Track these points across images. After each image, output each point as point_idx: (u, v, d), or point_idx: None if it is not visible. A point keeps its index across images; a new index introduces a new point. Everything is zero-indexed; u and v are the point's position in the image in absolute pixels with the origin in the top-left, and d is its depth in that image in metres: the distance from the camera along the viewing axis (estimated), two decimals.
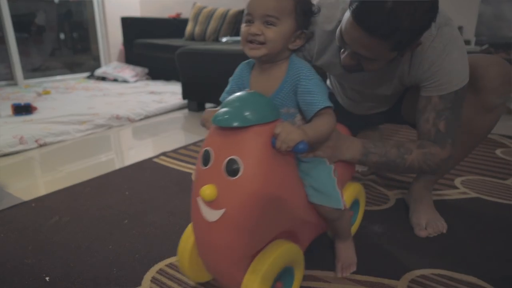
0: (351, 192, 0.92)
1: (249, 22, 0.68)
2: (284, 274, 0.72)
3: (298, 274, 0.76)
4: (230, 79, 0.81)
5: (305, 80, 0.70)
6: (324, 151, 0.79)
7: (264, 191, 0.63)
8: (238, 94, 0.66)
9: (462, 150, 1.02)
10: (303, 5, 0.69)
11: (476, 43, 2.55)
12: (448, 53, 0.81)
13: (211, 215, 0.63)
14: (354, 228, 0.99)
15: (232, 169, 0.62)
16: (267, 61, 0.71)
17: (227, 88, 0.80)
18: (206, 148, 0.66)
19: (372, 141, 0.87)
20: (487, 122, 0.95)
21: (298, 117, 0.75)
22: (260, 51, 0.68)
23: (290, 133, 0.62)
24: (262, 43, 0.67)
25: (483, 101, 0.91)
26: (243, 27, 0.69)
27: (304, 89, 0.70)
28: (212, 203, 0.63)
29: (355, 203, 0.97)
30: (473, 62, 0.89)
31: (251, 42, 0.68)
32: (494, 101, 0.90)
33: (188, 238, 0.76)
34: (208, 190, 0.61)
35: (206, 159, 0.65)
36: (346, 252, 0.88)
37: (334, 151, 0.81)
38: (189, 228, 0.77)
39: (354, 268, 0.86)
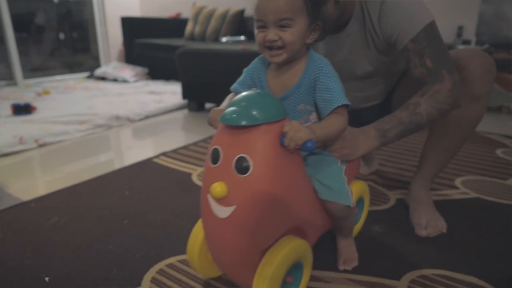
0: (356, 190, 0.92)
1: (262, 27, 0.68)
2: (294, 269, 0.74)
3: (307, 269, 0.77)
4: (245, 70, 0.81)
5: (325, 77, 0.70)
6: (341, 153, 0.79)
7: (274, 188, 0.64)
8: (245, 93, 0.66)
9: (455, 142, 1.03)
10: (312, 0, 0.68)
11: (477, 43, 2.55)
12: (397, 1, 0.85)
13: (222, 212, 0.64)
14: (358, 226, 1.00)
15: (242, 167, 0.62)
16: (286, 62, 0.72)
17: (240, 79, 0.81)
18: (215, 147, 0.66)
19: (380, 120, 0.87)
20: (475, 112, 0.96)
21: (314, 115, 0.75)
22: (282, 57, 0.69)
23: (298, 131, 0.62)
24: (281, 47, 0.68)
25: (468, 90, 0.93)
26: (257, 33, 0.69)
27: (323, 86, 0.70)
28: (222, 200, 0.64)
29: (360, 201, 0.99)
30: (455, 55, 0.94)
31: (269, 48, 0.68)
32: (479, 89, 0.93)
33: (197, 234, 0.77)
34: (218, 188, 0.62)
35: (215, 157, 0.66)
36: (348, 249, 0.89)
37: (351, 150, 0.81)
38: (199, 224, 0.78)
39: (356, 263, 0.88)
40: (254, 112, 0.62)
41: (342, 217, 0.81)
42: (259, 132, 0.62)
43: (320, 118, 0.75)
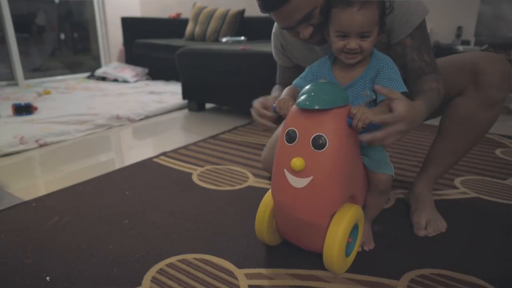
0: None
1: (343, 36, 0.78)
2: (353, 231, 0.85)
3: (361, 230, 0.89)
4: (308, 67, 0.91)
5: (387, 69, 0.81)
6: (403, 125, 0.74)
7: (344, 161, 0.77)
8: (315, 83, 0.79)
9: (465, 145, 1.03)
10: (383, 11, 0.78)
11: (476, 43, 2.55)
12: None
13: (299, 182, 0.77)
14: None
15: (318, 144, 0.74)
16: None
17: (303, 75, 0.91)
18: (291, 128, 0.78)
19: (424, 97, 0.85)
20: (488, 117, 0.97)
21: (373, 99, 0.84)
22: (357, 59, 0.80)
23: (365, 113, 0.72)
24: (357, 53, 0.79)
25: (484, 96, 0.93)
26: (337, 41, 0.79)
27: (384, 75, 0.80)
28: (300, 173, 0.76)
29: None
30: (474, 58, 0.95)
31: (346, 52, 0.79)
32: (495, 96, 0.93)
33: (267, 205, 0.88)
34: (298, 162, 0.74)
35: (291, 137, 0.78)
36: (367, 232, 0.96)
37: (412, 123, 0.76)
38: (267, 197, 0.90)
39: (373, 245, 0.95)
40: (326, 98, 0.74)
41: (384, 190, 0.90)
42: (332, 115, 0.75)
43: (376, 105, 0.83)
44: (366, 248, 0.94)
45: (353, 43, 0.77)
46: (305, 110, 0.76)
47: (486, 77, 0.92)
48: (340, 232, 0.78)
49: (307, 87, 0.78)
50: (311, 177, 0.75)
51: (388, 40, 0.92)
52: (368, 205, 0.94)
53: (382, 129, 0.72)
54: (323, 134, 0.74)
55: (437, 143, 1.07)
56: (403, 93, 0.78)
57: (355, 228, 0.85)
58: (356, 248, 0.89)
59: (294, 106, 0.79)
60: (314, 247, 0.85)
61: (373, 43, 0.79)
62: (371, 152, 0.88)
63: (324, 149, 0.74)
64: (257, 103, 0.94)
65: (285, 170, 0.79)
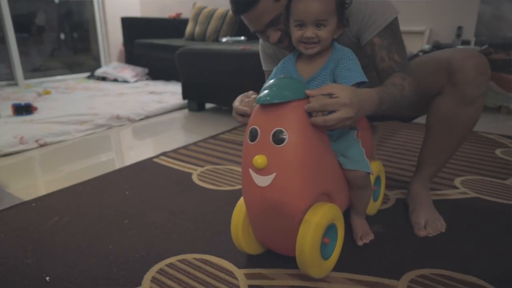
0: (374, 169, 1.00)
1: (300, 26, 0.80)
2: (330, 231, 0.81)
3: (341, 230, 0.86)
4: (275, 67, 0.93)
5: (346, 59, 0.82)
6: (347, 112, 0.74)
7: (307, 155, 0.74)
8: (274, 79, 0.78)
9: (452, 144, 1.03)
10: (341, 2, 0.80)
11: (476, 43, 2.55)
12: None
13: (264, 181, 0.74)
14: (377, 204, 1.10)
15: (278, 139, 0.73)
16: (315, 53, 0.83)
17: (271, 75, 0.92)
18: (253, 126, 0.77)
19: (381, 89, 0.85)
20: (470, 114, 0.96)
21: None
22: (315, 49, 0.81)
23: (323, 100, 0.73)
24: (315, 42, 0.80)
25: (462, 94, 0.93)
26: (295, 30, 0.81)
27: (344, 66, 0.82)
28: (263, 171, 0.74)
29: (377, 180, 1.09)
30: (448, 56, 0.94)
31: (305, 42, 0.81)
32: (473, 93, 0.92)
33: (239, 212, 0.86)
34: (260, 159, 0.72)
35: (253, 136, 0.76)
36: (362, 226, 0.97)
37: (360, 110, 0.76)
38: (239, 204, 0.87)
39: (372, 237, 0.96)
40: (284, 92, 0.73)
41: (362, 186, 0.89)
42: (290, 108, 0.73)
43: None
44: (365, 241, 0.94)
45: (309, 32, 0.79)
46: (265, 106, 0.75)
47: (461, 76, 0.91)
48: (310, 233, 0.74)
49: (266, 84, 0.78)
50: (274, 174, 0.73)
51: (358, 42, 0.93)
52: (353, 201, 0.95)
53: (330, 114, 0.73)
54: (282, 128, 0.72)
55: (426, 143, 1.07)
56: (363, 83, 0.81)
57: (331, 228, 0.82)
58: (338, 251, 0.85)
59: (256, 104, 0.79)
60: (289, 251, 0.80)
61: (330, 33, 0.80)
62: (345, 150, 0.88)
63: (284, 143, 0.72)
64: (236, 102, 0.92)
65: (250, 169, 0.77)
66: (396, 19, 0.90)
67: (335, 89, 0.73)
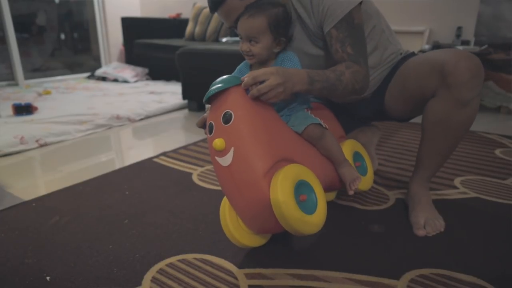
0: (347, 147, 1.08)
1: (241, 39, 0.92)
2: (303, 188, 0.84)
3: (318, 189, 0.86)
4: (233, 73, 1.00)
5: (288, 61, 0.94)
6: (277, 90, 0.83)
7: (255, 124, 0.82)
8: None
9: (447, 146, 1.02)
10: (274, 23, 0.90)
11: (476, 43, 2.55)
12: None
13: (226, 160, 0.81)
14: (368, 178, 1.12)
15: (227, 118, 0.81)
16: (260, 63, 0.96)
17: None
18: (209, 122, 0.86)
19: (311, 70, 0.92)
20: (465, 116, 0.95)
21: None
22: (252, 60, 0.95)
23: (254, 73, 0.82)
24: (250, 55, 0.92)
25: (456, 96, 0.92)
26: (240, 43, 0.93)
27: (285, 66, 0.92)
28: (223, 152, 0.81)
29: (357, 155, 1.12)
30: (441, 58, 0.93)
31: (243, 53, 0.93)
32: (467, 95, 0.91)
33: (224, 205, 0.91)
34: (218, 142, 0.79)
35: (210, 129, 0.85)
36: (349, 172, 0.99)
37: (287, 85, 0.85)
38: (224, 198, 0.92)
39: (360, 180, 0.97)
40: (220, 84, 0.83)
41: (319, 136, 0.94)
42: (230, 93, 0.83)
43: None
44: (354, 186, 0.96)
45: (244, 46, 0.91)
46: (212, 103, 0.86)
47: (454, 78, 0.90)
48: (278, 184, 0.76)
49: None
50: (232, 148, 0.80)
51: (322, 31, 1.00)
52: (326, 154, 0.98)
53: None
54: (228, 110, 0.81)
55: (422, 145, 1.07)
56: None
57: (304, 185, 0.83)
58: (322, 204, 0.85)
59: (208, 105, 0.89)
60: (276, 226, 0.81)
61: (264, 49, 0.91)
62: (292, 120, 0.96)
63: (232, 120, 0.80)
64: (199, 123, 0.95)
65: (215, 157, 0.84)
66: (356, 9, 0.95)
67: (263, 69, 0.84)
